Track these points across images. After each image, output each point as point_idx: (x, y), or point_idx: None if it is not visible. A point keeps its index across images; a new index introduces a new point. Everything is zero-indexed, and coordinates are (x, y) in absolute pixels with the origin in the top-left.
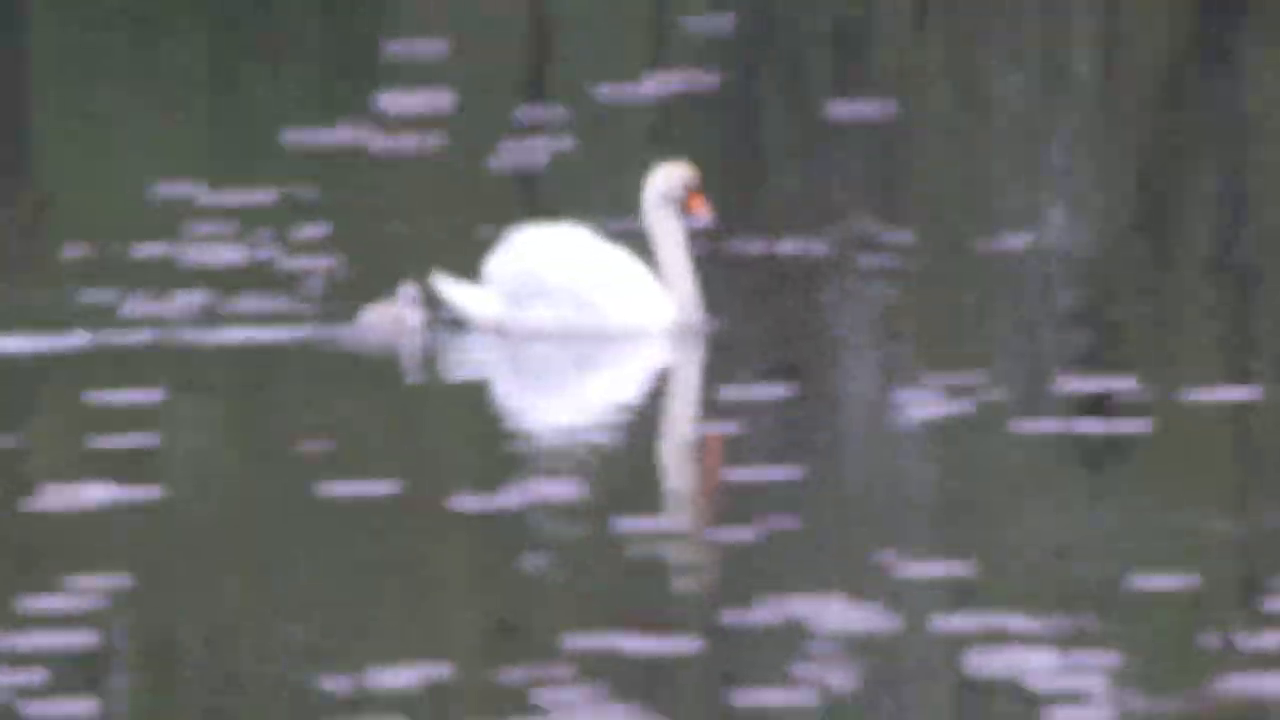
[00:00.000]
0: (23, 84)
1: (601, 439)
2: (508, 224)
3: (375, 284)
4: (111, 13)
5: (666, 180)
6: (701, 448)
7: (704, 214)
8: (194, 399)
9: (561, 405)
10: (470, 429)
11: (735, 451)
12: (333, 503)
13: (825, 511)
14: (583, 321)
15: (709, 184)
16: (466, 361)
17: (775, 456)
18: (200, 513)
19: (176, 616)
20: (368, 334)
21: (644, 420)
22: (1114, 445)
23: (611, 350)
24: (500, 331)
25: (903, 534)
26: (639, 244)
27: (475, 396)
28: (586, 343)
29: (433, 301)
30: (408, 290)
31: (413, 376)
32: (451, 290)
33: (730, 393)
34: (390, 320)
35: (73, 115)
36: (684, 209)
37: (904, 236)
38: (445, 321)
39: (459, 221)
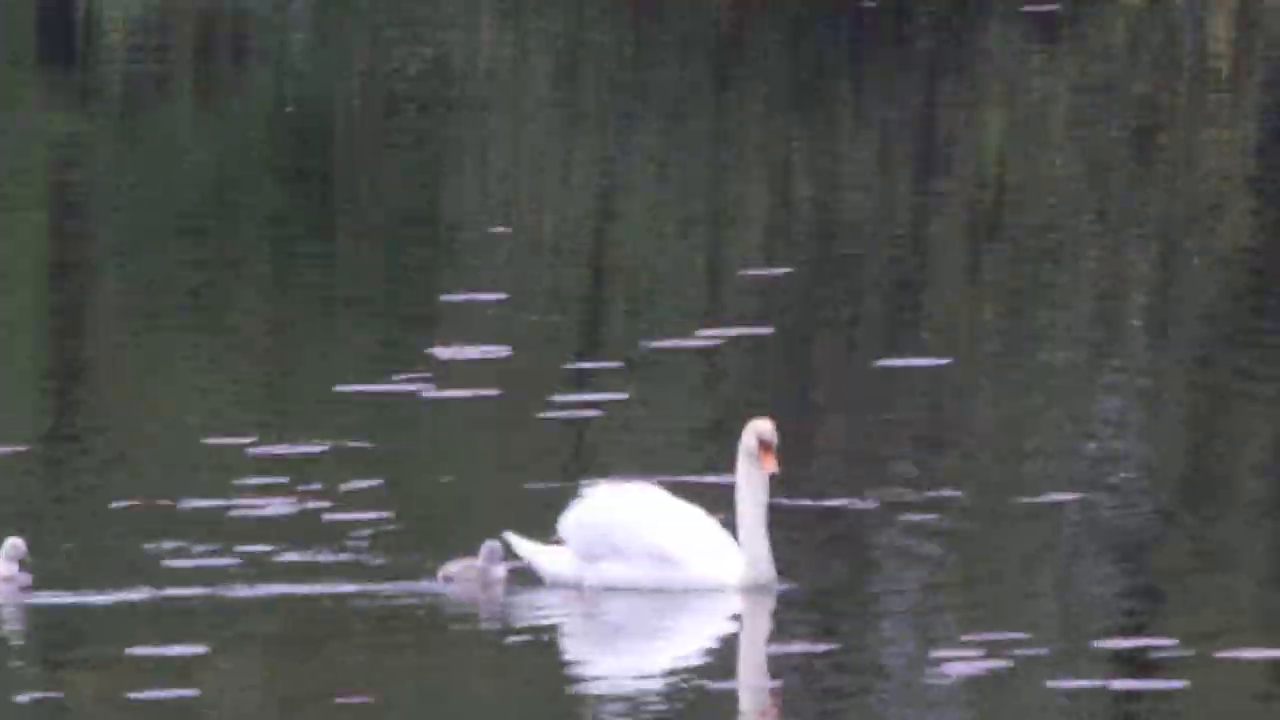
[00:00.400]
0: (81, 337)
1: (654, 694)
2: (559, 477)
3: (427, 537)
4: (173, 263)
5: (748, 434)
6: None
7: (769, 468)
8: (237, 653)
9: (624, 660)
10: (525, 683)
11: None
12: None
13: None
14: (657, 578)
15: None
16: (540, 617)
17: (818, 715)
18: None
19: None
20: (450, 588)
21: (693, 676)
22: (1150, 702)
23: (685, 606)
24: (576, 587)
25: None
26: (704, 497)
27: (540, 652)
28: (661, 598)
29: (512, 557)
30: (491, 545)
31: (487, 630)
32: (525, 547)
33: (774, 649)
34: (474, 575)
35: (128, 366)
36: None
37: (951, 493)
38: (522, 578)
39: (511, 474)
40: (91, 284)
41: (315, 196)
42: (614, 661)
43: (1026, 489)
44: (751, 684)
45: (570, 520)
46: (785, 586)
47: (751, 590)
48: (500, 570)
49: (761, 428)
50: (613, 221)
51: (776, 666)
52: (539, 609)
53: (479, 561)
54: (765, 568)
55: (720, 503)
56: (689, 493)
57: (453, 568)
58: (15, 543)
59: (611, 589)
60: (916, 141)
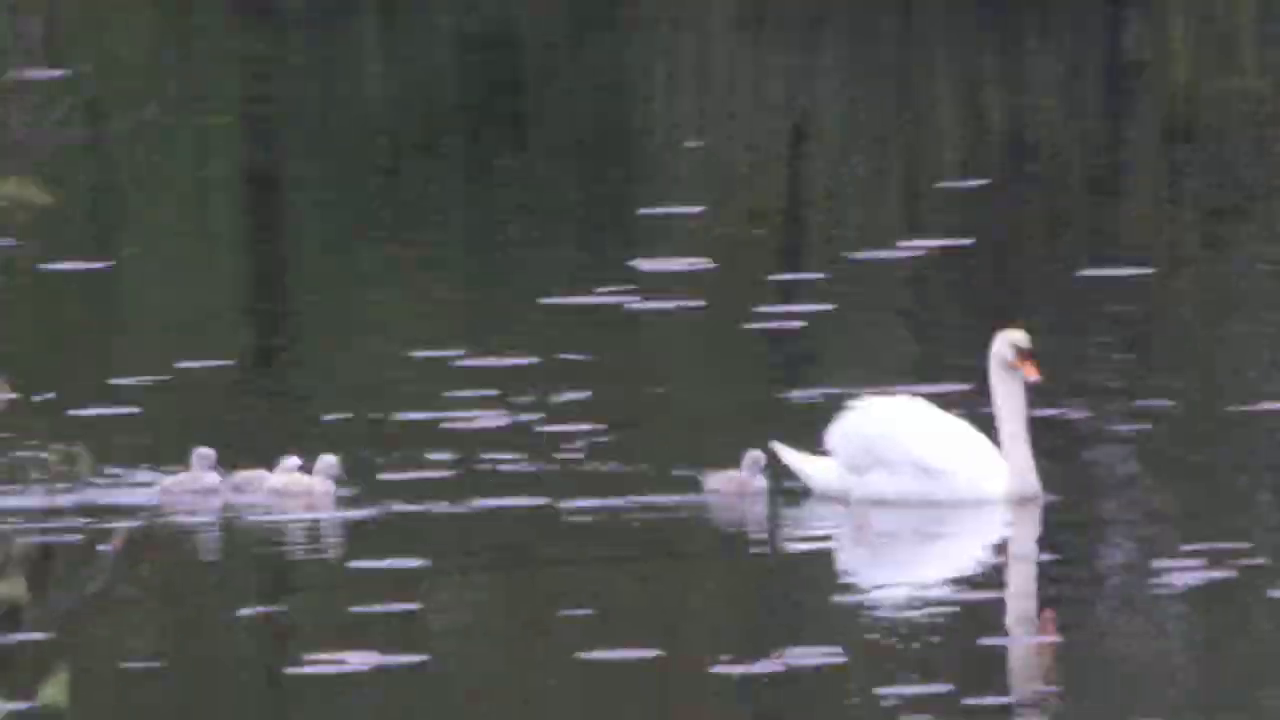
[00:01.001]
0: (281, 246)
1: (920, 605)
2: (765, 388)
3: (640, 448)
4: (370, 178)
5: (1000, 344)
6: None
7: (1031, 375)
8: (456, 566)
9: (888, 572)
10: (784, 594)
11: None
12: (596, 666)
13: (1086, 678)
14: (922, 490)
15: (960, 344)
16: (806, 529)
17: (1037, 625)
18: (463, 680)
19: None
20: (712, 499)
21: (958, 589)
22: None
23: (950, 519)
24: (842, 499)
25: (1162, 700)
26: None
27: (814, 563)
28: (927, 511)
29: (776, 469)
30: (754, 455)
31: (741, 540)
32: (793, 458)
33: (1032, 561)
34: (736, 486)
35: (330, 281)
36: (1016, 370)
37: (1160, 403)
38: (786, 489)
39: (720, 384)
40: (289, 201)
41: (507, 113)
42: (879, 573)
43: (1234, 398)
44: (1015, 595)
45: (837, 432)
46: (1050, 498)
47: (1017, 502)
48: (761, 481)
49: (1016, 336)
50: (805, 135)
51: (1031, 578)
52: (802, 521)
53: (741, 472)
54: (1030, 479)
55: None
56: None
57: (715, 479)
58: (328, 460)
59: (878, 501)
60: (1105, 52)
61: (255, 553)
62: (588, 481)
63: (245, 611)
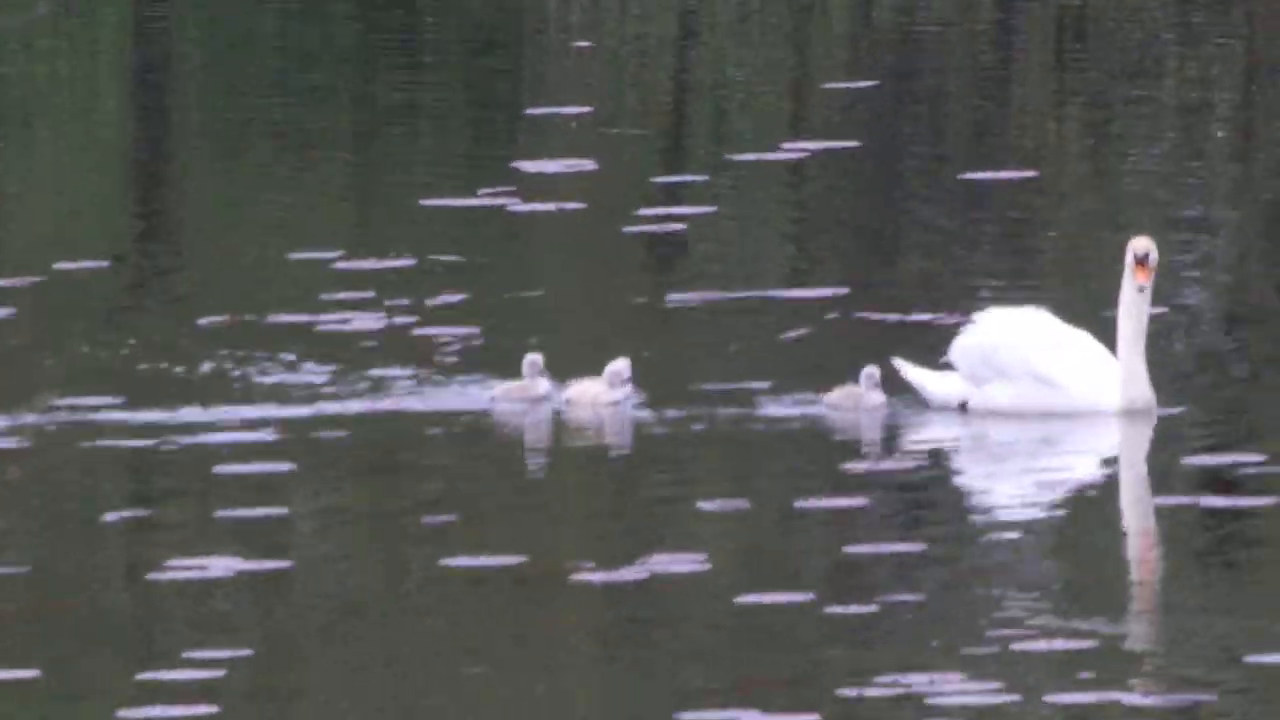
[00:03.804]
0: (166, 151)
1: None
2: (649, 291)
3: (509, 352)
4: (254, 83)
5: (1129, 252)
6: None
7: (1139, 279)
8: (324, 471)
9: (997, 482)
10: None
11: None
12: (458, 574)
13: (947, 585)
14: (1038, 401)
15: (841, 251)
16: (927, 440)
17: (899, 532)
18: (325, 585)
19: (297, 688)
20: (830, 413)
21: (1071, 499)
22: (1242, 520)
23: (1067, 429)
24: (962, 410)
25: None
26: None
27: (679, 468)
28: (1044, 421)
29: (893, 383)
30: (870, 370)
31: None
32: (913, 372)
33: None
34: (853, 400)
35: (213, 182)
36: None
37: (1040, 306)
38: (906, 403)
39: (599, 287)
40: (173, 104)
41: (396, 13)
42: (990, 483)
43: (1108, 301)
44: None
45: (959, 344)
46: (1166, 410)
47: (1131, 413)
48: (878, 395)
49: (1135, 242)
50: (694, 36)
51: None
52: (922, 432)
53: (859, 387)
54: (1143, 391)
55: (795, 316)
56: (768, 308)
57: (833, 395)
58: (619, 366)
59: (996, 412)
60: None
61: (126, 455)
62: (461, 385)
63: (110, 516)
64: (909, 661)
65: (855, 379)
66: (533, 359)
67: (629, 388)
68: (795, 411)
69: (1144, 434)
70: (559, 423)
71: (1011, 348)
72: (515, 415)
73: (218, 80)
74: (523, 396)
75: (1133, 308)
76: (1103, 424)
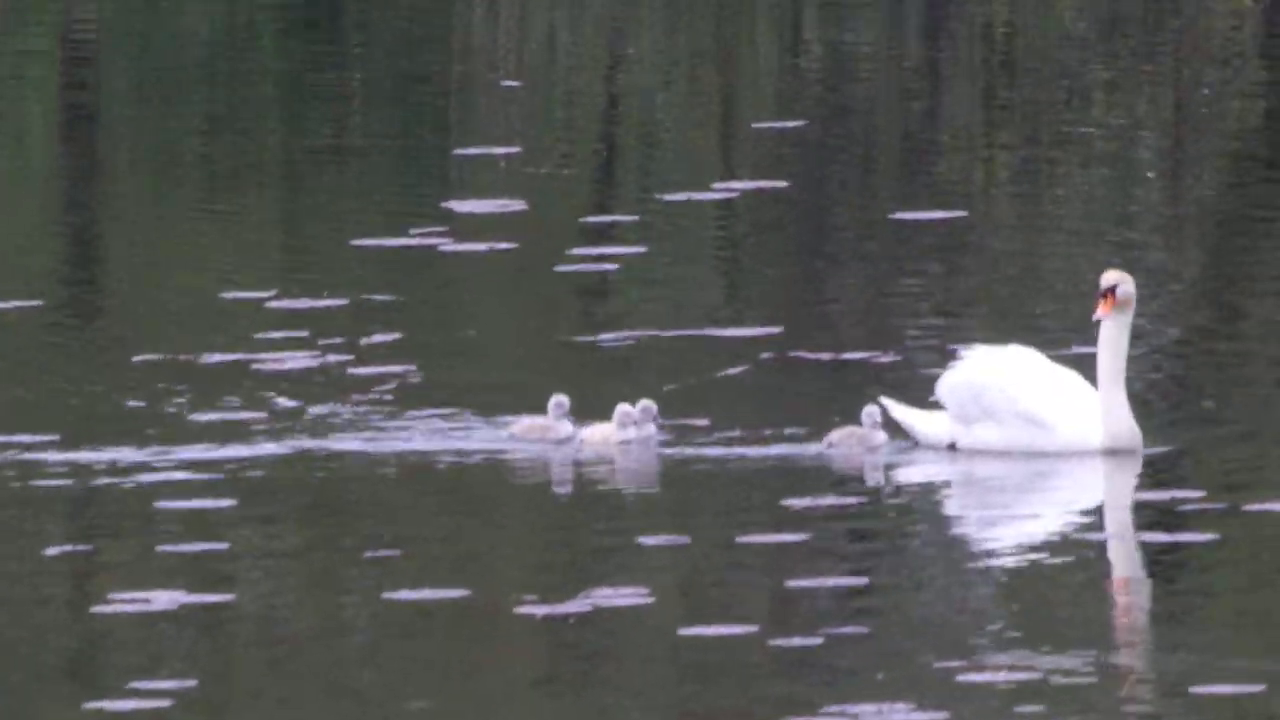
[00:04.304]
0: (95, 188)
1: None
2: (583, 330)
3: (445, 390)
4: (184, 118)
5: (1105, 284)
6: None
7: (1099, 314)
8: (264, 507)
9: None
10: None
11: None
12: (401, 608)
13: (890, 622)
14: (1025, 440)
15: (773, 290)
16: (916, 478)
17: (843, 566)
18: (267, 618)
19: (241, 718)
20: (833, 453)
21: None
22: (1183, 554)
23: (1053, 468)
24: (950, 449)
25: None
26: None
27: (621, 504)
28: (1031, 460)
29: (890, 424)
30: (870, 410)
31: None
32: (901, 411)
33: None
34: (856, 440)
35: (143, 220)
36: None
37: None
38: (901, 441)
39: (532, 326)
40: (102, 139)
41: (325, 52)
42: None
43: (1043, 340)
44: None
45: (946, 383)
46: (1151, 450)
47: (1117, 451)
48: (881, 435)
49: (1105, 275)
50: (624, 77)
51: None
52: (913, 470)
53: (862, 427)
54: (1127, 426)
55: (729, 354)
56: (700, 347)
57: (836, 434)
58: (646, 405)
59: (985, 451)
60: None
61: (64, 492)
62: (396, 424)
63: (52, 551)
64: (854, 693)
65: (857, 419)
66: (559, 400)
67: (651, 427)
68: (734, 450)
69: (1119, 471)
70: (501, 460)
71: (997, 388)
72: (534, 453)
73: (146, 115)
74: (543, 437)
75: (1109, 343)
76: (1087, 463)
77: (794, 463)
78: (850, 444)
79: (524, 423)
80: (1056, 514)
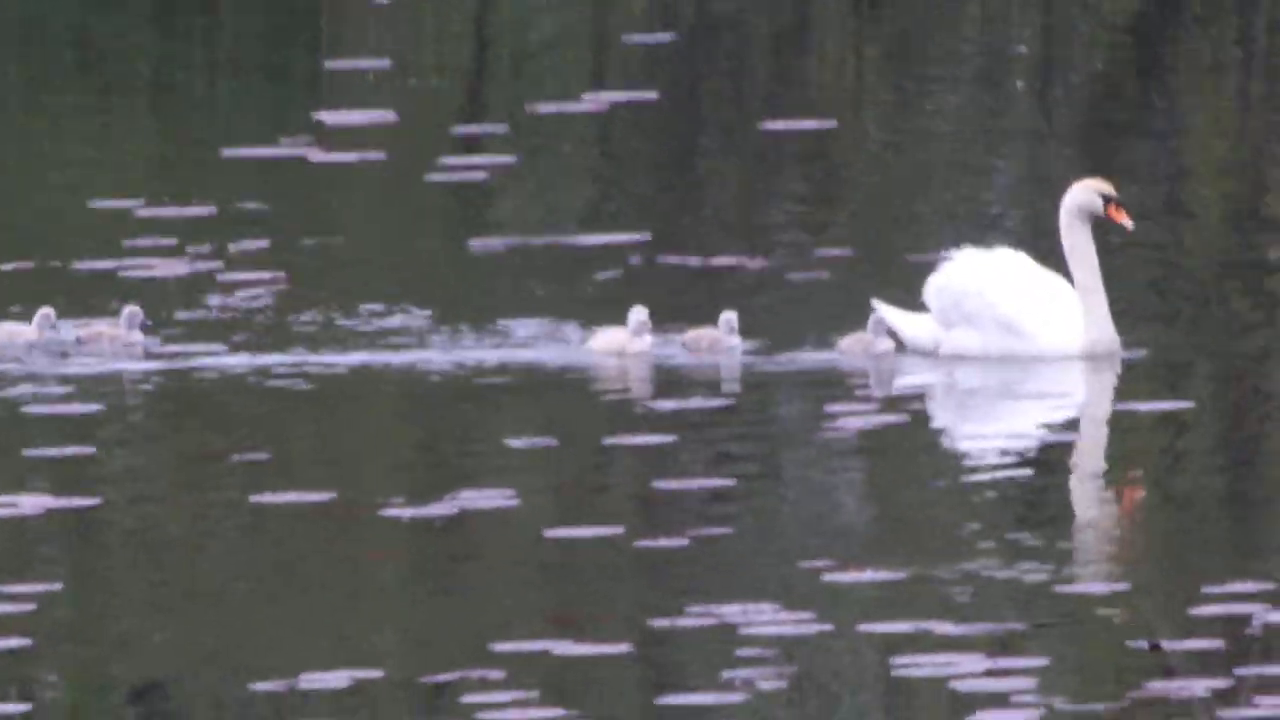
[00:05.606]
0: None
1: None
2: (442, 239)
3: (323, 299)
4: (55, 28)
5: (1084, 195)
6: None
7: (1126, 222)
8: (131, 414)
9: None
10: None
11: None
12: (268, 510)
13: (761, 519)
14: (1003, 346)
15: (644, 200)
16: (899, 383)
17: (709, 468)
18: (135, 521)
19: (107, 622)
20: (841, 359)
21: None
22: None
23: (1031, 373)
24: (934, 354)
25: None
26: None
27: (483, 406)
28: (1009, 366)
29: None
30: (878, 317)
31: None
32: (892, 315)
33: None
34: (862, 347)
35: (10, 129)
36: (1106, 219)
37: (840, 252)
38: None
39: (399, 236)
40: None
41: None
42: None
43: (916, 248)
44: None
45: (933, 284)
46: (1130, 354)
47: (1095, 357)
48: (886, 342)
49: (1104, 186)
50: None
51: (1102, 426)
52: (897, 375)
53: (867, 333)
54: (1106, 332)
55: (598, 260)
56: (571, 254)
57: (844, 341)
58: (728, 317)
59: (964, 356)
60: None
61: None
62: (265, 332)
63: None
64: (721, 593)
65: (863, 326)
66: (639, 313)
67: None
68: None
69: (1107, 376)
70: (370, 367)
71: (977, 293)
72: (612, 367)
73: (14, 27)
74: (621, 349)
75: (1080, 252)
76: (1062, 368)
77: (662, 365)
78: (857, 349)
79: (603, 337)
80: (980, 420)
